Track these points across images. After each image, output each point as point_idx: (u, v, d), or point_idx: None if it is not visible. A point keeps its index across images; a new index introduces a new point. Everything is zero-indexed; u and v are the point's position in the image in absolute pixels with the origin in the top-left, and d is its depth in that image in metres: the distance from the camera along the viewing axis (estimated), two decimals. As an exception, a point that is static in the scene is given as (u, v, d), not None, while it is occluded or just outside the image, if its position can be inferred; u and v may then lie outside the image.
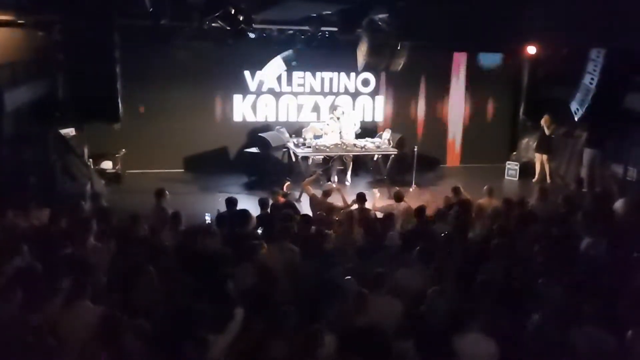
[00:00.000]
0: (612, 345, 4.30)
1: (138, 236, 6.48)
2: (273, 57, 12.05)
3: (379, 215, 7.87)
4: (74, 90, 8.27)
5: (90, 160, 10.81)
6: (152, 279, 5.19)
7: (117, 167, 11.47)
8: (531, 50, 12.04)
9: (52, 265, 5.54)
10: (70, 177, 9.33)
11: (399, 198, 8.10)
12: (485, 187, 8.56)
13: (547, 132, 12.12)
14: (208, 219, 7.34)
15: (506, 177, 12.76)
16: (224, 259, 5.69)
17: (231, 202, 7.44)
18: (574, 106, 11.92)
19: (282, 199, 8.10)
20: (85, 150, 10.60)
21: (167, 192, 7.67)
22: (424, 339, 4.37)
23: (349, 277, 5.24)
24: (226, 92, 12.53)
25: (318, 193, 8.54)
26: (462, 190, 8.28)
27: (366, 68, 10.64)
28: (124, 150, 11.59)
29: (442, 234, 6.52)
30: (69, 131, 10.12)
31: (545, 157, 12.28)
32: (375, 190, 9.21)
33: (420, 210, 7.35)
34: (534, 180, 12.36)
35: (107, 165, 11.39)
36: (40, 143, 9.08)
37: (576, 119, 11.79)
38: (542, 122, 12.15)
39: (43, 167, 8.94)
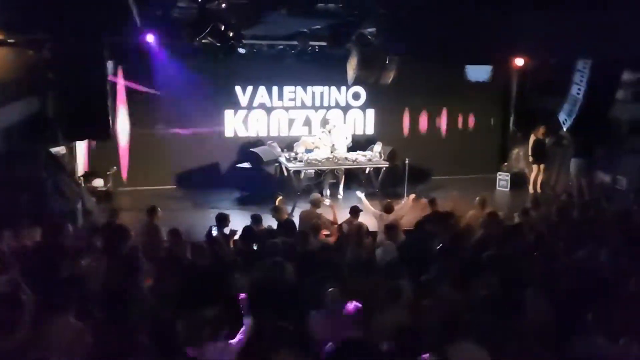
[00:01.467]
0: (610, 354, 4.31)
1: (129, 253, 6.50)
2: (263, 72, 12.14)
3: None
4: (64, 108, 8.28)
5: (82, 178, 10.77)
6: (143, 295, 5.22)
7: (108, 185, 11.43)
8: (519, 61, 12.17)
9: (42, 285, 5.52)
10: (61, 195, 9.26)
11: (388, 210, 8.17)
12: (477, 198, 8.63)
13: (547, 142, 12.20)
14: (215, 232, 7.27)
15: (497, 187, 12.82)
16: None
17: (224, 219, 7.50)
18: (562, 116, 12.05)
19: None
20: (76, 168, 10.57)
21: (159, 209, 7.66)
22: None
23: (332, 288, 5.23)
24: (217, 107, 12.55)
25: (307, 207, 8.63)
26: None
27: (356, 82, 10.75)
28: (115, 167, 11.56)
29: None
30: (60, 149, 10.08)
31: (542, 166, 12.35)
32: (358, 192, 9.55)
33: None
34: (530, 190, 12.41)
35: (98, 183, 11.35)
36: (31, 161, 9.01)
37: (564, 129, 11.93)
38: (540, 132, 12.20)
39: (34, 185, 8.88)
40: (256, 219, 7.63)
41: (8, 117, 8.63)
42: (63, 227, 7.16)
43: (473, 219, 8.07)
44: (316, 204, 8.43)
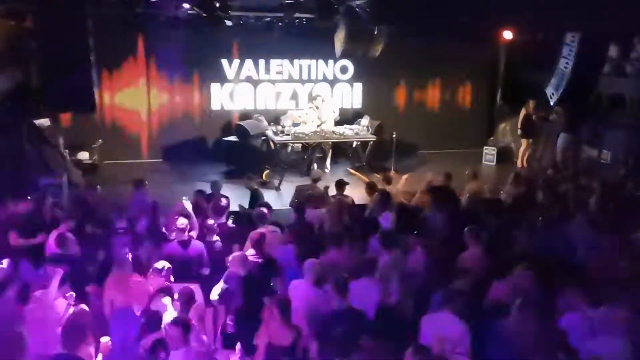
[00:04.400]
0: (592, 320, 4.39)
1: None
2: (250, 44, 12.01)
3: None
4: (48, 79, 8.16)
5: (67, 151, 10.66)
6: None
7: (94, 158, 11.33)
8: (507, 35, 12.11)
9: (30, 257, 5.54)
10: (46, 168, 9.19)
11: (388, 181, 8.25)
12: (467, 172, 8.70)
13: (534, 117, 12.18)
14: (187, 203, 7.24)
15: (484, 162, 12.87)
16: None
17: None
18: (549, 90, 12.07)
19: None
20: (61, 141, 10.45)
21: (146, 182, 7.64)
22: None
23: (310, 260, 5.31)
24: (203, 80, 12.42)
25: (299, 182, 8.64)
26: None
27: (344, 55, 10.66)
28: (100, 140, 11.45)
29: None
30: (44, 121, 9.95)
31: (530, 141, 12.37)
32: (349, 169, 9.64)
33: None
34: (519, 165, 12.45)
35: (83, 155, 11.24)
36: (15, 134, 8.91)
37: (552, 103, 11.96)
38: (531, 106, 12.18)
39: (18, 158, 8.80)
40: (215, 185, 7.69)
41: (-10, 89, 8.48)
42: (48, 199, 7.14)
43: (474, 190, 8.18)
44: (317, 179, 8.46)
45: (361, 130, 11.49)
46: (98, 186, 8.10)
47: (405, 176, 8.87)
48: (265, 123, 11.77)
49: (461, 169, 9.21)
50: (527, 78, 12.77)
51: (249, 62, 12.54)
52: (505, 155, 12.92)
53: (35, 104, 9.33)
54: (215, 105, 12.57)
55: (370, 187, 7.96)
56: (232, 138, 11.65)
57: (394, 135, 11.48)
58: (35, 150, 9.17)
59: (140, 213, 7.05)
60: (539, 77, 12.37)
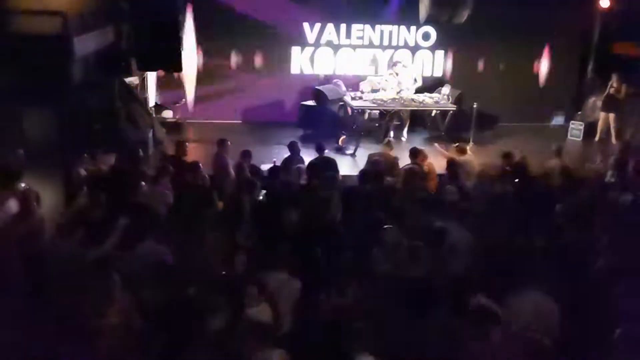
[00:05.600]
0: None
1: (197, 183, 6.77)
2: (331, 8, 11.90)
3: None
4: (137, 38, 8.44)
5: (152, 109, 11.08)
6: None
7: (177, 117, 11.74)
8: (604, 2, 11.40)
9: (116, 207, 5.84)
10: (134, 124, 9.59)
11: (462, 152, 8.10)
12: (554, 147, 8.40)
13: (611, 91, 11.52)
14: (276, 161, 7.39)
15: (569, 137, 12.30)
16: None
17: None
18: (647, 64, 11.31)
19: None
20: (148, 99, 10.87)
21: (228, 142, 7.86)
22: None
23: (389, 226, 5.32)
24: (284, 43, 12.48)
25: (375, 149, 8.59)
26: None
27: (429, 19, 10.38)
28: (183, 100, 11.82)
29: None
30: (133, 79, 10.36)
31: (612, 116, 11.71)
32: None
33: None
34: (596, 139, 11.87)
35: (167, 114, 11.66)
36: (106, 91, 9.32)
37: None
38: (613, 81, 11.52)
39: (108, 114, 9.22)
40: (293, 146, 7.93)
41: (85, 47, 8.86)
42: (136, 153, 7.48)
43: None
44: (390, 145, 8.45)
45: (441, 99, 11.23)
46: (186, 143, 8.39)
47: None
48: (344, 88, 11.72)
49: (543, 144, 8.85)
50: (623, 50, 11.99)
51: (330, 27, 12.47)
52: (592, 131, 12.27)
53: (126, 62, 9.69)
54: (294, 69, 12.64)
55: (413, 154, 7.89)
56: (310, 102, 11.70)
57: (474, 106, 11.15)
58: (125, 107, 9.58)
59: (222, 171, 7.31)
60: (637, 49, 11.61)
